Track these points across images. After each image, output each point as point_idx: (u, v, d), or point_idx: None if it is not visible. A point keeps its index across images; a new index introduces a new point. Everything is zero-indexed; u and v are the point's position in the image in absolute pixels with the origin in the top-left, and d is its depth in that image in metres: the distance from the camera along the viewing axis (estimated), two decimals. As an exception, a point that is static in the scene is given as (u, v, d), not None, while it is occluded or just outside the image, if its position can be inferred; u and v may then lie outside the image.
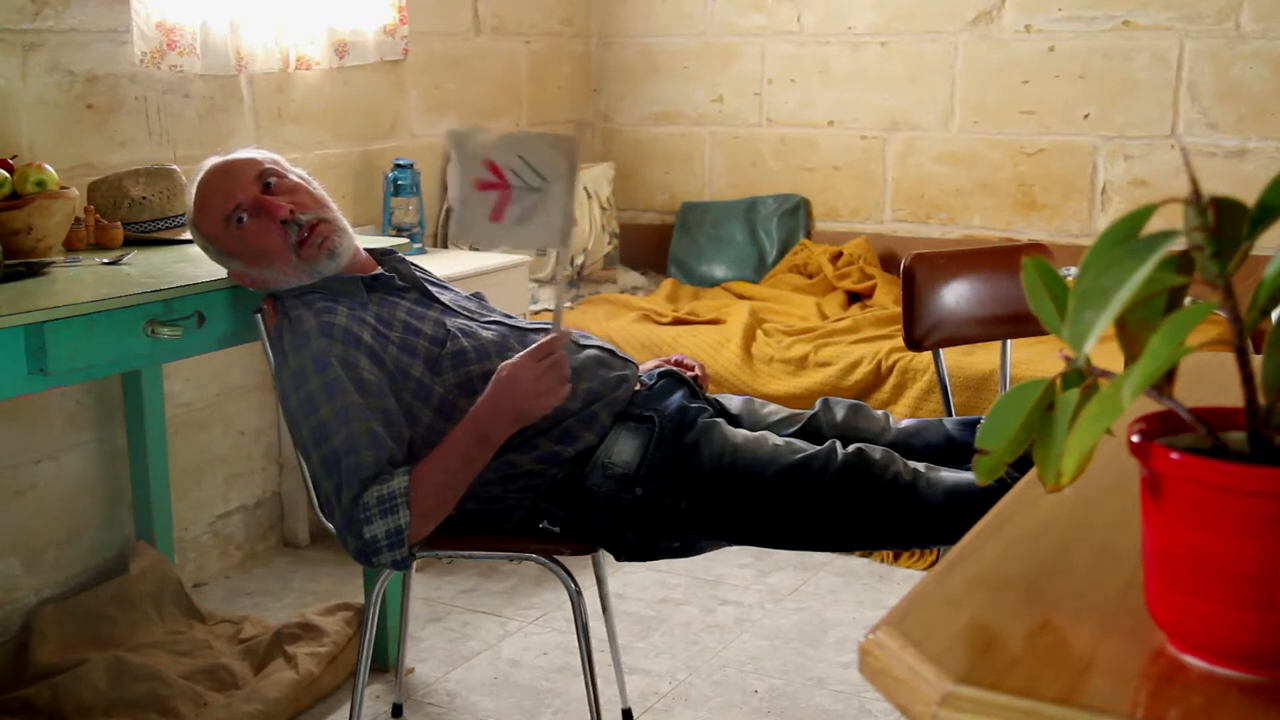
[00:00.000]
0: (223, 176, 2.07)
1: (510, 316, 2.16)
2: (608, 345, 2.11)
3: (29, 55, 2.64)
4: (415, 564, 2.43)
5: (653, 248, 4.46)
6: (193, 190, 2.09)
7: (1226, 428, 0.79)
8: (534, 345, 1.91)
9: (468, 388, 1.95)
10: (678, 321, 3.69)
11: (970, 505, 1.82)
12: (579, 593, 1.96)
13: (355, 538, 1.84)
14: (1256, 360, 0.75)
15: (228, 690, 2.46)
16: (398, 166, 3.48)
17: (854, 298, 3.95)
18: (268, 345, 2.08)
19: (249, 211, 2.03)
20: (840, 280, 3.99)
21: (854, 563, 3.18)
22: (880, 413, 2.13)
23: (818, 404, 2.13)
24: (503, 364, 1.90)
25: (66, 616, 2.61)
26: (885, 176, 4.14)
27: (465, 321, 2.06)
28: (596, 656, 2.14)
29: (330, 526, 1.93)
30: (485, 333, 2.04)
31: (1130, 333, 0.75)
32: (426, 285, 2.15)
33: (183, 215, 2.60)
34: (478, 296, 2.24)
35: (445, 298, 2.14)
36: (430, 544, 1.95)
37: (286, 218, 2.02)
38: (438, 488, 1.86)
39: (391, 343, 1.95)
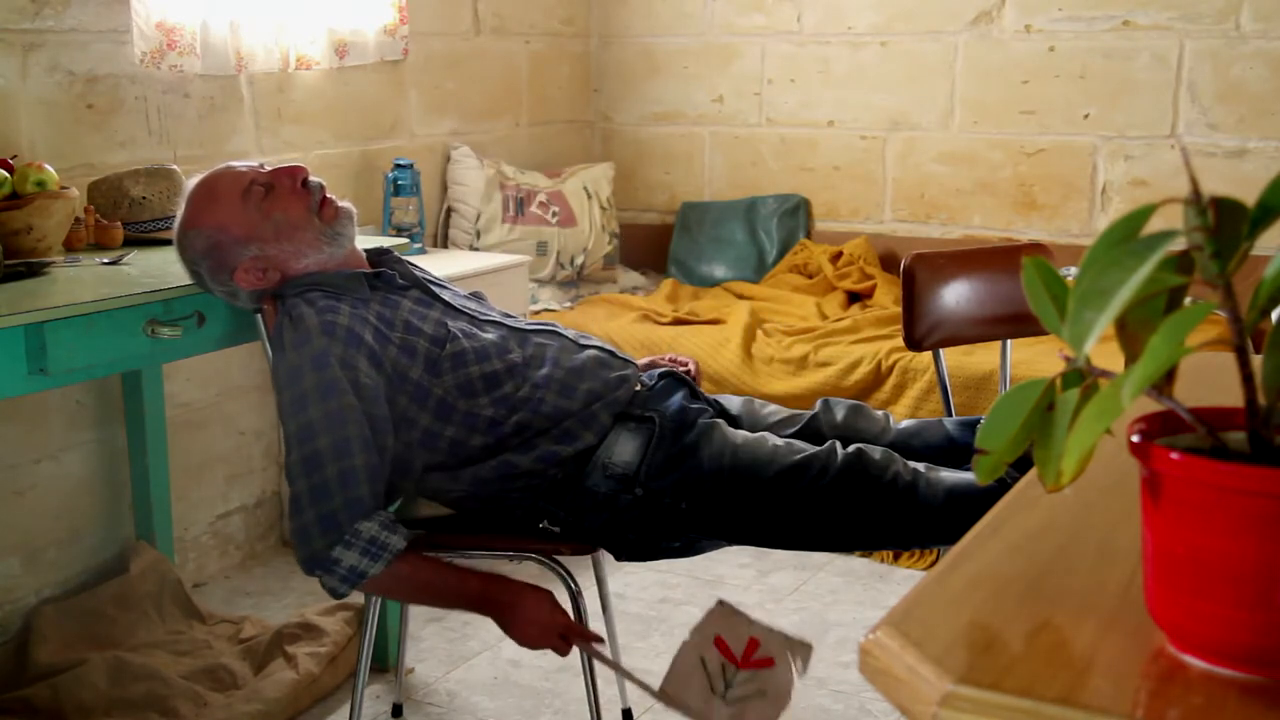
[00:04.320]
0: (227, 168, 2.07)
1: (510, 316, 2.15)
2: (607, 345, 2.11)
3: (29, 55, 2.64)
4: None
5: (653, 248, 4.46)
6: (186, 198, 2.06)
7: (1226, 428, 0.79)
8: (583, 632, 1.88)
9: (467, 389, 1.94)
10: (678, 321, 3.69)
11: (970, 505, 1.81)
12: (579, 593, 1.96)
13: (323, 545, 1.80)
14: (1256, 360, 0.75)
15: (228, 690, 2.46)
16: (398, 166, 3.48)
17: (854, 298, 3.95)
18: (267, 345, 2.07)
19: (265, 185, 2.03)
20: (840, 280, 3.99)
21: (854, 563, 3.18)
22: (880, 413, 2.13)
23: (818, 404, 2.13)
24: (546, 601, 1.86)
25: (66, 616, 2.61)
26: (885, 176, 4.14)
27: (466, 322, 2.05)
28: (596, 656, 2.14)
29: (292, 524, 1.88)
30: (486, 334, 2.03)
31: (1130, 333, 0.75)
32: (427, 284, 2.15)
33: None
34: (477, 296, 2.24)
35: (445, 296, 2.13)
36: (431, 544, 1.95)
37: (306, 178, 2.04)
38: (413, 584, 1.86)
39: (392, 343, 1.94)
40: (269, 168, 2.08)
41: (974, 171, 4.00)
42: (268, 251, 2.01)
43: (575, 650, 1.88)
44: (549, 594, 1.88)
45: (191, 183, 2.09)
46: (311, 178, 2.06)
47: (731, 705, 1.63)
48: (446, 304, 2.09)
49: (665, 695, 1.66)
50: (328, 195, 2.06)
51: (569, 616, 1.89)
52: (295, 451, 1.85)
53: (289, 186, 2.03)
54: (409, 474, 1.96)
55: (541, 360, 2.01)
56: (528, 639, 1.87)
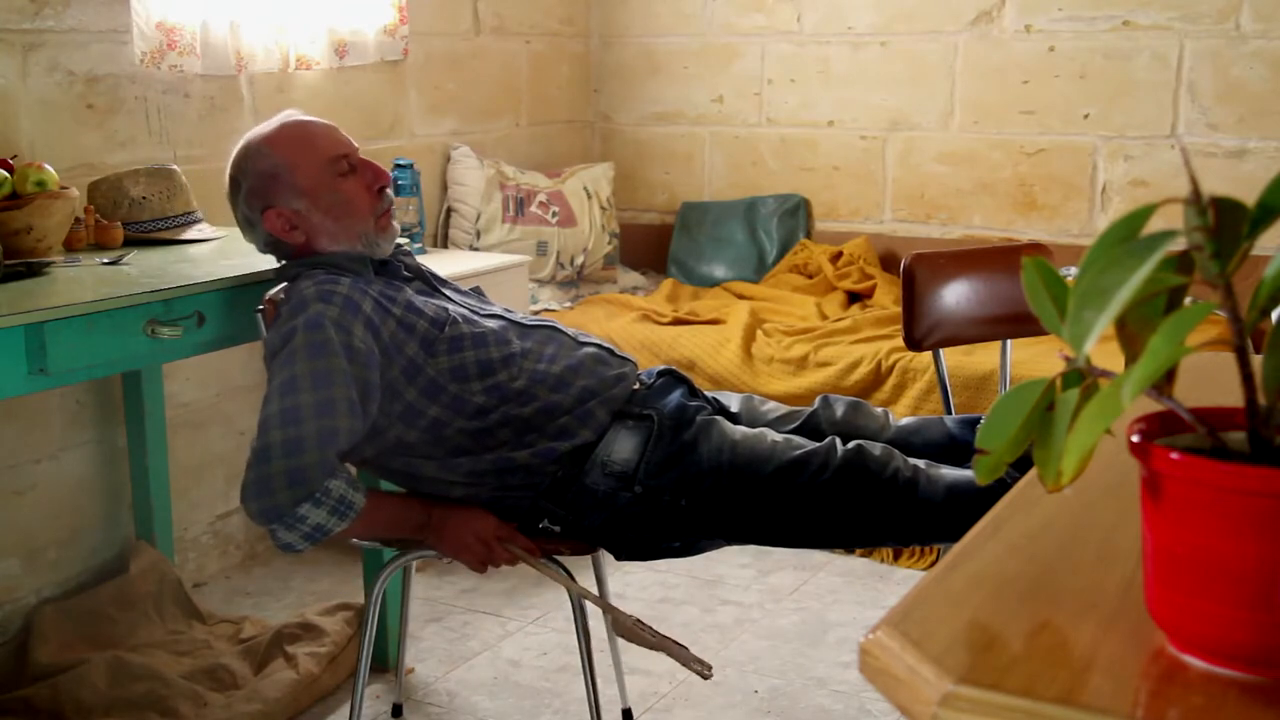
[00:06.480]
0: (332, 128, 2.11)
1: (511, 311, 2.16)
2: (606, 344, 2.11)
3: (29, 55, 2.64)
4: (415, 564, 2.44)
5: (653, 248, 4.46)
6: (281, 120, 2.09)
7: (1226, 428, 0.79)
8: (520, 548, 1.93)
9: (460, 373, 1.95)
10: (678, 321, 3.69)
11: (971, 502, 1.82)
12: (579, 593, 1.96)
13: (288, 499, 1.79)
14: (1256, 360, 0.75)
15: (228, 690, 2.46)
16: (398, 166, 3.48)
17: (854, 298, 3.95)
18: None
19: (352, 166, 2.07)
20: (840, 280, 3.99)
21: (854, 563, 3.18)
22: (880, 410, 2.13)
23: (817, 401, 2.13)
24: (488, 517, 1.94)
25: (66, 616, 2.61)
26: (885, 176, 4.14)
27: (467, 311, 2.07)
28: (596, 656, 2.14)
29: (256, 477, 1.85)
30: (487, 322, 2.05)
31: (1130, 333, 0.75)
32: (430, 277, 2.17)
33: (183, 215, 2.60)
34: (477, 291, 2.25)
35: (446, 290, 2.16)
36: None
37: (386, 185, 2.09)
38: (359, 529, 1.88)
39: (392, 316, 1.94)
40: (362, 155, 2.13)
41: (974, 171, 4.00)
42: (312, 215, 2.04)
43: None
44: (489, 514, 1.94)
45: (294, 113, 2.12)
46: (388, 190, 2.11)
47: (654, 639, 1.89)
48: (447, 295, 2.12)
49: (609, 608, 1.97)
50: (391, 211, 2.11)
51: (512, 532, 1.94)
52: (275, 404, 1.83)
53: (369, 182, 2.08)
54: (378, 442, 1.96)
55: (539, 355, 2.01)
56: (457, 548, 1.93)
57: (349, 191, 2.05)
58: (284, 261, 2.10)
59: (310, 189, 2.03)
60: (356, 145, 2.12)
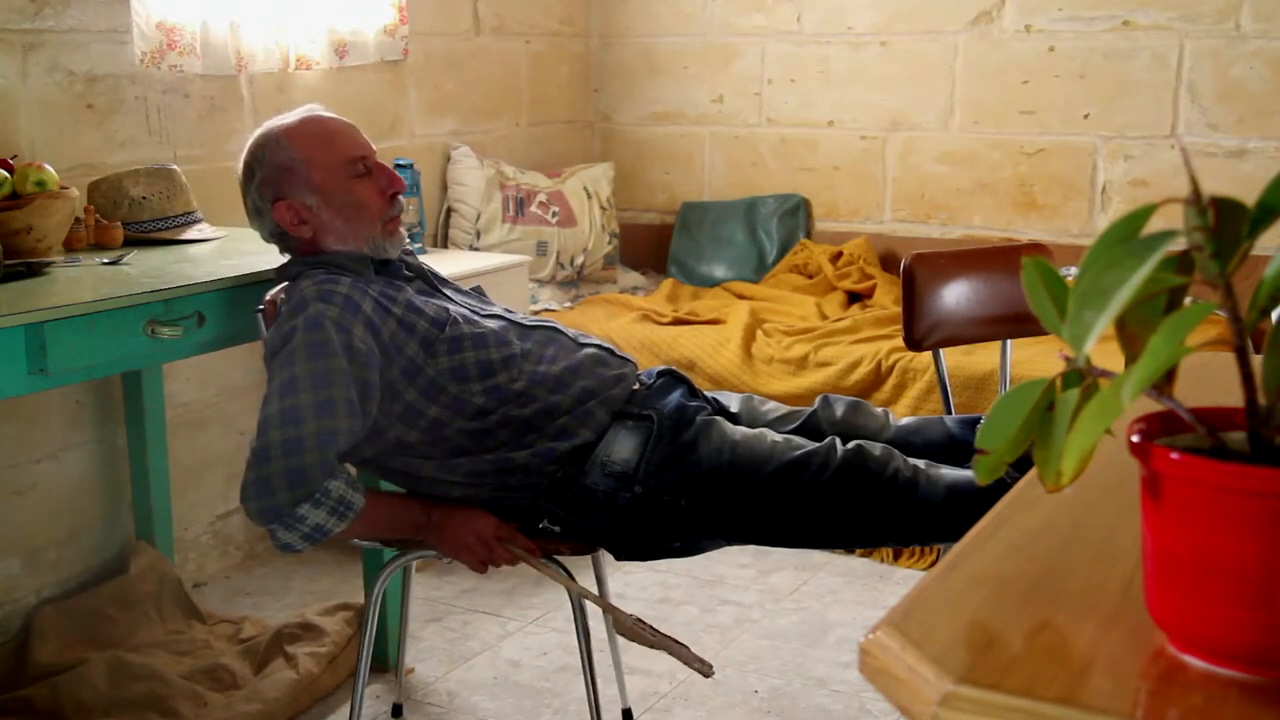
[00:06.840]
0: (352, 128, 2.11)
1: (511, 311, 2.16)
2: (606, 344, 2.11)
3: (29, 55, 2.64)
4: (415, 564, 2.44)
5: (653, 248, 4.46)
6: (303, 115, 2.09)
7: (1226, 428, 0.79)
8: (520, 548, 1.94)
9: (460, 374, 1.95)
10: (678, 321, 3.69)
11: (971, 503, 1.82)
12: (580, 593, 1.96)
13: (288, 499, 1.79)
14: (1256, 360, 0.75)
15: (228, 690, 2.46)
16: (398, 166, 3.48)
17: (854, 298, 3.95)
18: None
19: (370, 168, 2.08)
20: (840, 280, 3.99)
21: (854, 563, 3.18)
22: (880, 410, 2.13)
23: (817, 401, 2.13)
24: (488, 517, 1.95)
25: (66, 616, 2.61)
26: (885, 176, 4.14)
27: (468, 311, 2.07)
28: (596, 656, 2.14)
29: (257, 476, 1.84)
30: (487, 322, 2.05)
31: (1130, 333, 0.75)
32: (430, 276, 2.16)
33: (183, 215, 2.60)
34: (478, 290, 2.25)
35: (447, 290, 2.16)
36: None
37: (399, 192, 2.10)
38: (358, 529, 1.88)
39: (393, 316, 1.94)
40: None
41: (974, 171, 4.00)
42: (322, 212, 2.04)
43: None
44: (489, 514, 1.95)
45: (316, 108, 2.12)
46: (400, 197, 2.12)
47: (655, 638, 1.91)
48: (448, 295, 2.12)
49: (610, 607, 1.98)
50: (400, 217, 2.12)
51: (512, 532, 1.95)
52: (274, 404, 1.83)
53: (383, 187, 2.08)
54: (378, 442, 1.96)
55: (539, 357, 2.01)
56: (457, 548, 1.94)
57: (362, 193, 2.05)
58: (287, 255, 2.11)
59: (324, 186, 2.03)
60: (374, 148, 2.13)
